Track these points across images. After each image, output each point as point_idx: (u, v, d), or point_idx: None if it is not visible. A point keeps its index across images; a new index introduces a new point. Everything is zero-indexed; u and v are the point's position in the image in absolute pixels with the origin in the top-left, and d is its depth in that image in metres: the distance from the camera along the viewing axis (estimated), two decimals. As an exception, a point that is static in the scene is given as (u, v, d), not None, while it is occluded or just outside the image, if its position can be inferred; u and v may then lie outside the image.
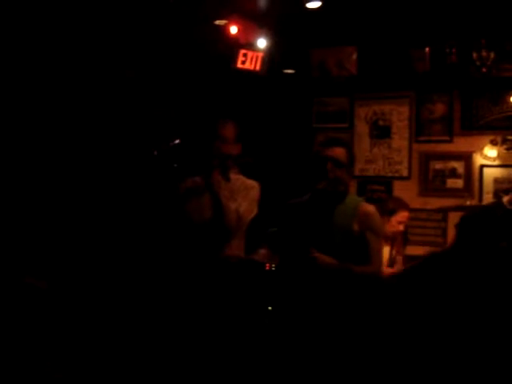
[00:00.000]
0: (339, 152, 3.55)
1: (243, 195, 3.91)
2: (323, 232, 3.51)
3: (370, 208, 3.61)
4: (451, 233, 5.85)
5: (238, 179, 3.97)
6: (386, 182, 6.57)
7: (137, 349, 4.35)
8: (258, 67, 6.04)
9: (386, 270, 5.03)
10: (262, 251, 5.16)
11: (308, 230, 3.57)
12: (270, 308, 4.72)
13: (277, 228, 4.09)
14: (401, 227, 5.15)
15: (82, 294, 4.69)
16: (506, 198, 3.35)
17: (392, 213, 5.07)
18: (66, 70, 4.82)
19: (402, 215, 5.13)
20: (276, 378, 3.80)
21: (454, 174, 6.31)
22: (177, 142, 3.75)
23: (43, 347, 4.21)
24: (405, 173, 6.51)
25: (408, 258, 5.41)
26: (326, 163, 3.50)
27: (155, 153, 3.73)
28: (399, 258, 5.24)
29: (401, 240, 5.31)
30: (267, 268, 5.28)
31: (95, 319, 4.56)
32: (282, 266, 3.92)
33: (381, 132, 6.61)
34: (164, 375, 4.02)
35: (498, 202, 3.51)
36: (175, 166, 3.74)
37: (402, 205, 5.18)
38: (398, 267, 5.18)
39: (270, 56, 6.09)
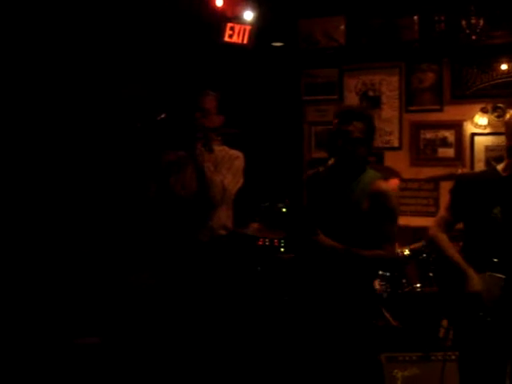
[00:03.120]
0: (355, 126, 3.30)
1: (227, 166, 3.88)
2: (336, 209, 3.36)
3: (384, 186, 3.36)
4: (444, 201, 5.85)
5: (221, 150, 3.95)
6: (377, 153, 6.53)
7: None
8: (245, 40, 5.97)
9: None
10: (254, 225, 5.17)
11: (321, 206, 3.44)
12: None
13: (279, 203, 4.06)
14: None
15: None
16: (500, 166, 3.31)
17: None
18: (47, 48, 4.76)
19: (393, 182, 5.11)
20: (270, 362, 3.81)
21: (444, 143, 6.29)
22: (162, 116, 3.71)
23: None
24: (396, 143, 6.48)
25: (400, 230, 5.40)
26: (339, 138, 3.30)
27: (139, 126, 3.69)
28: None
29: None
30: (260, 243, 5.30)
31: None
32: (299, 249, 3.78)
33: (371, 103, 6.55)
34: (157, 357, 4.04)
35: (491, 169, 3.47)
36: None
37: (391, 173, 5.17)
38: None
39: (258, 29, 6.03)
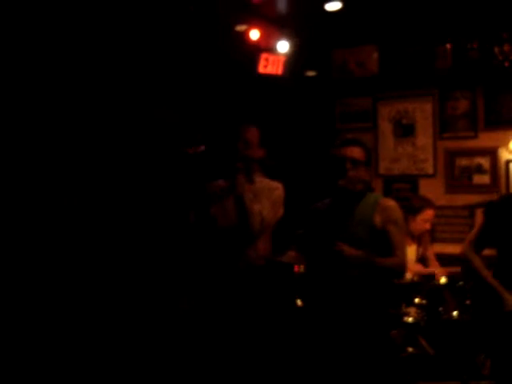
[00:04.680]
0: (356, 151, 3.59)
1: (267, 197, 3.94)
2: (345, 230, 3.54)
3: (390, 202, 3.64)
4: (477, 223, 5.84)
5: (261, 181, 4.01)
6: (412, 181, 6.56)
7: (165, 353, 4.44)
8: (280, 71, 6.08)
9: (415, 266, 5.04)
10: (291, 253, 5.20)
11: (331, 229, 3.59)
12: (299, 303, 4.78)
13: (302, 231, 4.13)
14: (427, 225, 5.16)
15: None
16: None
17: (417, 211, 5.08)
18: (94, 76, 4.90)
19: (428, 213, 5.13)
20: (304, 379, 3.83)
21: (479, 169, 6.28)
22: (202, 147, 3.81)
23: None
24: (430, 170, 6.49)
25: (436, 256, 5.41)
26: (345, 163, 3.54)
27: (181, 157, 3.80)
28: (431, 256, 5.24)
29: (427, 238, 5.31)
30: (296, 270, 5.33)
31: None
32: (309, 267, 3.97)
33: (405, 130, 6.60)
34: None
35: None
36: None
37: (427, 203, 5.19)
38: (432, 265, 5.18)
39: (292, 59, 6.12)
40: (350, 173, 3.53)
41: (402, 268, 3.63)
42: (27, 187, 4.47)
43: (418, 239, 5.21)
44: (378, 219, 3.51)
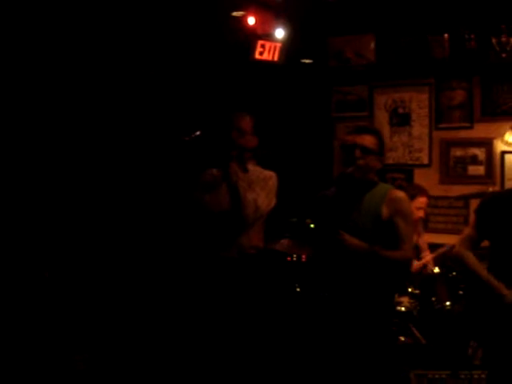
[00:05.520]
0: (368, 139, 3.53)
1: (261, 186, 3.94)
2: (352, 218, 3.50)
3: (400, 194, 3.60)
4: (470, 220, 5.83)
5: (255, 170, 4.01)
6: (407, 170, 6.54)
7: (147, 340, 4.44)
8: (275, 58, 6.04)
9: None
10: (284, 241, 5.22)
11: (337, 216, 3.56)
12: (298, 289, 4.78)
13: (307, 219, 4.12)
14: (420, 213, 5.13)
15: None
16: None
17: (411, 199, 5.05)
18: (88, 63, 4.87)
19: (421, 201, 5.11)
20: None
21: (475, 160, 6.26)
22: (197, 133, 3.79)
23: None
24: (425, 160, 6.48)
25: (430, 247, 5.40)
26: (354, 150, 3.50)
27: (176, 143, 3.78)
28: (424, 245, 5.22)
29: (421, 226, 5.29)
30: (289, 259, 5.34)
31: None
32: (314, 254, 3.94)
33: (400, 120, 6.58)
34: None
35: None
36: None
37: (420, 190, 5.17)
38: (424, 253, 5.17)
39: (288, 46, 6.09)
40: (358, 161, 3.49)
41: (407, 261, 3.60)
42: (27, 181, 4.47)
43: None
44: (385, 210, 3.47)
